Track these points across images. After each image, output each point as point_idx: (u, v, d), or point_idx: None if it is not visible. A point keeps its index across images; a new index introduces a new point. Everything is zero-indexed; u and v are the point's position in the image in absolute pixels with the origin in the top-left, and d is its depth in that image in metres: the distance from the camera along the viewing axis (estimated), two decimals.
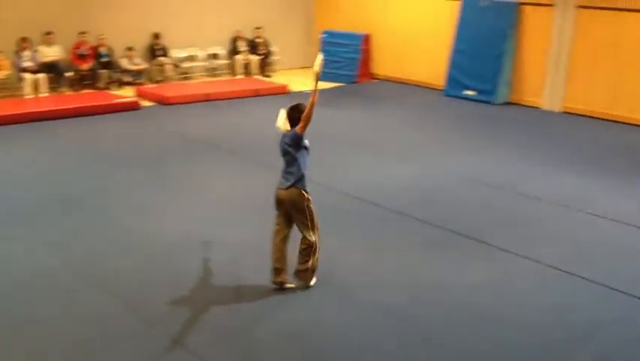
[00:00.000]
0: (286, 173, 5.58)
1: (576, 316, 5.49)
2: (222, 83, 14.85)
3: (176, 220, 7.31)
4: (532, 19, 13.35)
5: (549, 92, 13.23)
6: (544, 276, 6.20)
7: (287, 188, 5.54)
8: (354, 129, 11.48)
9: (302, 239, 5.69)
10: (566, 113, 12.99)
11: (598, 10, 12.32)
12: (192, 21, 15.60)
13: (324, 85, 15.35)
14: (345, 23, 16.74)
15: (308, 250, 5.66)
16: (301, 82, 15.59)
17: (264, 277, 5.87)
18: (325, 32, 16.38)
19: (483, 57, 13.84)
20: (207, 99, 13.30)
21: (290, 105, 5.80)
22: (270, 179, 8.70)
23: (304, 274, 5.74)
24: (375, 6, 16.24)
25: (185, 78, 15.52)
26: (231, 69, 16.19)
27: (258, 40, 16.31)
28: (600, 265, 6.43)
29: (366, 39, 16.08)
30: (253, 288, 5.83)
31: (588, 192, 8.47)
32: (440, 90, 14.68)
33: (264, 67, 16.40)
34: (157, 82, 14.72)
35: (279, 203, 5.63)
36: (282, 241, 5.69)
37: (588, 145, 10.80)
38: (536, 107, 13.38)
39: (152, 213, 7.52)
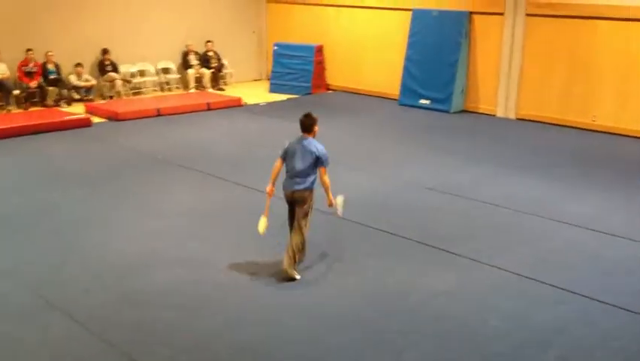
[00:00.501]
0: (303, 176, 6.13)
1: (537, 320, 5.44)
2: (174, 98, 14.59)
3: (130, 237, 7.05)
4: (483, 27, 13.48)
5: (503, 100, 13.35)
6: (505, 281, 6.15)
7: (303, 190, 6.11)
8: None
9: (298, 227, 6.14)
10: (520, 120, 13.13)
11: (547, 18, 12.51)
12: (142, 35, 15.32)
13: (277, 97, 15.28)
14: (298, 35, 16.68)
15: (301, 243, 6.14)
16: (255, 94, 15.47)
17: (222, 293, 5.67)
18: (277, 44, 16.27)
19: (436, 66, 13.91)
20: (159, 114, 13.03)
21: (303, 115, 6.47)
22: (223, 192, 8.62)
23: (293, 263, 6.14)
24: (328, 17, 16.22)
25: (136, 93, 15.21)
26: (183, 83, 15.96)
27: (209, 53, 16.11)
28: (559, 269, 6.42)
29: (319, 50, 16.02)
30: (213, 303, 5.65)
31: (544, 197, 8.50)
32: (395, 100, 14.70)
33: (217, 80, 16.21)
34: (107, 98, 14.37)
35: (292, 202, 6.20)
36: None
37: (542, 151, 10.90)
38: (491, 115, 13.49)
39: (104, 230, 7.24)
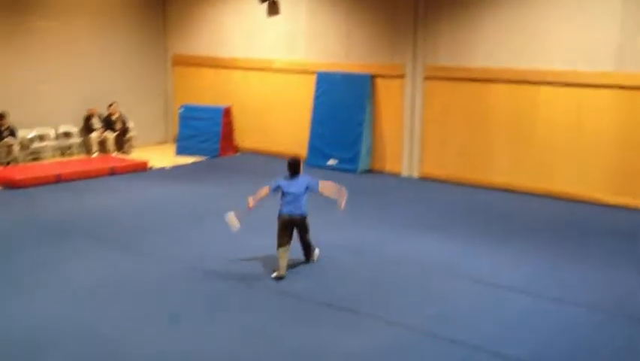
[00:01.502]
0: (297, 203, 7.92)
1: None
2: (76, 163, 14.14)
3: (27, 315, 6.64)
4: (386, 90, 13.94)
5: (407, 159, 13.73)
6: (410, 340, 6.18)
7: (301, 215, 7.93)
8: (215, 204, 11.19)
9: (305, 241, 8.14)
10: (423, 178, 13.51)
11: (444, 81, 13.09)
12: (41, 98, 14.88)
13: (184, 160, 15.11)
14: (205, 97, 16.68)
15: (310, 246, 8.20)
16: (161, 157, 15.23)
17: None
18: (183, 106, 16.20)
19: (342, 127, 14.20)
20: (60, 180, 12.54)
21: (289, 159, 8.12)
22: (129, 262, 8.33)
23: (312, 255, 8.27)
24: (236, 79, 16.33)
25: (35, 159, 14.66)
26: (86, 148, 15.54)
27: (113, 116, 15.81)
28: (462, 325, 6.52)
29: (227, 112, 16.04)
30: None
31: (446, 255, 8.70)
32: (304, 160, 14.82)
33: (122, 144, 15.88)
34: (4, 164, 13.75)
35: (291, 223, 7.92)
36: (288, 253, 7.87)
37: (443, 209, 11.22)
38: (396, 174, 13.82)
39: None
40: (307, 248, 8.24)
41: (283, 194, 7.98)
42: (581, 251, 8.91)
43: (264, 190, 8.02)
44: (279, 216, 7.98)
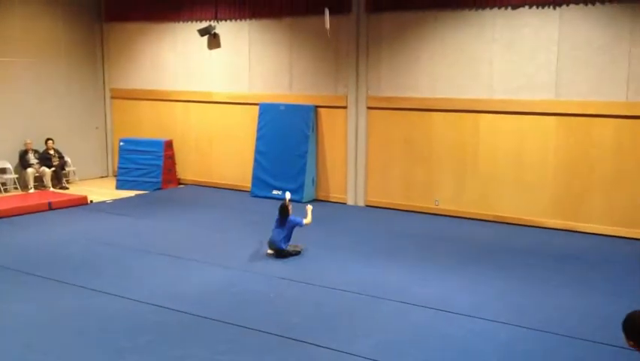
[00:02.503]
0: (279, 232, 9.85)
1: None
2: (11, 199, 13.64)
3: None
4: (329, 120, 14.02)
5: (352, 188, 13.78)
6: None
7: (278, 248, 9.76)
8: (158, 237, 10.98)
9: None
10: (369, 206, 13.56)
11: (386, 111, 13.25)
12: None
13: (125, 193, 14.79)
14: (145, 130, 16.46)
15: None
16: (101, 192, 14.88)
17: None
18: (123, 140, 15.91)
19: (286, 158, 14.17)
20: None
21: (279, 207, 10.00)
22: (71, 297, 8.00)
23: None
24: (176, 112, 16.17)
25: None
26: (22, 183, 15.05)
27: (50, 151, 15.40)
28: (411, 351, 6.48)
29: (168, 145, 15.82)
30: None
31: (393, 281, 8.68)
32: (248, 192, 14.72)
33: (60, 179, 15.45)
34: None
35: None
36: None
37: (390, 236, 11.25)
38: (342, 203, 13.84)
39: None
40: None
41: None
42: (526, 274, 9.04)
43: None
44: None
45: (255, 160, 14.64)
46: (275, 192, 14.26)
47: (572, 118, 11.41)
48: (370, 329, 7.05)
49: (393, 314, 7.53)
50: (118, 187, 15.46)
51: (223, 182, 15.57)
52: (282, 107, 14.32)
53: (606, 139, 11.17)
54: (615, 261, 9.79)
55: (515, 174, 12.03)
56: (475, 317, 7.40)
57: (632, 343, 3.92)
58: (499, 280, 8.77)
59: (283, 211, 9.85)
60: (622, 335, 3.98)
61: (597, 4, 11.00)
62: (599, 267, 9.47)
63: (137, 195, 14.71)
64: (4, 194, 14.57)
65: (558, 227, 11.62)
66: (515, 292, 8.27)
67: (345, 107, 13.72)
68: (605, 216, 11.28)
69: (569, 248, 10.50)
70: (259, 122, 14.61)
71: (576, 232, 11.43)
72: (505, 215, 12.15)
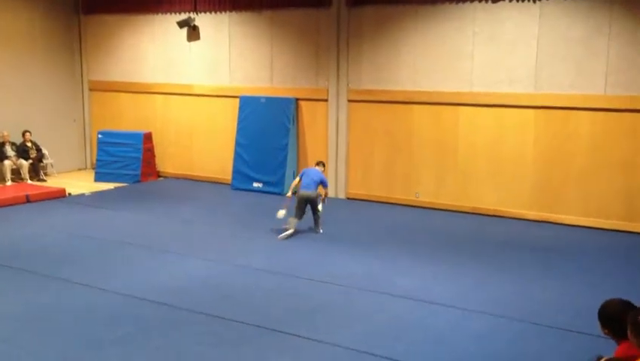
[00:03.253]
0: (313, 182, 10.49)
1: None
2: None
3: None
4: (310, 113, 14.00)
5: (333, 181, 13.75)
6: (341, 358, 6.12)
7: (313, 190, 10.48)
8: (138, 230, 10.91)
9: (316, 213, 10.66)
10: (350, 199, 13.58)
11: (367, 103, 13.26)
12: None
13: (103, 186, 14.68)
14: (124, 122, 16.32)
15: (319, 217, 10.71)
16: (79, 184, 14.74)
17: None
18: (101, 132, 15.76)
19: (267, 150, 14.14)
20: None
21: (318, 162, 11.18)
22: (50, 290, 7.91)
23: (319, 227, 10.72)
24: (156, 104, 16.05)
25: None
26: None
27: (27, 144, 15.22)
28: (392, 341, 6.51)
29: (147, 137, 15.70)
30: None
31: (374, 272, 8.72)
32: (228, 184, 14.67)
33: (37, 171, 15.27)
34: None
35: (305, 199, 10.44)
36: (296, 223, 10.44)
37: (370, 228, 11.28)
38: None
39: None
40: (316, 221, 10.70)
41: (301, 179, 10.56)
42: (504, 265, 9.12)
43: (296, 181, 10.66)
44: (297, 194, 10.47)
45: (236, 153, 14.59)
46: (255, 184, 14.24)
47: (551, 111, 11.51)
48: (350, 320, 7.08)
49: (373, 305, 7.56)
50: (96, 180, 15.32)
51: (203, 175, 15.50)
52: (263, 100, 14.27)
53: (584, 132, 11.29)
54: (591, 252, 9.91)
55: (494, 167, 12.11)
56: (454, 307, 7.46)
57: (606, 331, 3.98)
58: (478, 271, 8.84)
59: (321, 162, 11.22)
60: (598, 324, 4.03)
61: None
62: (576, 257, 9.57)
63: (116, 188, 14.59)
64: None
65: (536, 218, 11.73)
66: (494, 283, 8.34)
67: (326, 100, 13.71)
68: (582, 208, 11.40)
69: (547, 239, 10.61)
70: (240, 115, 14.55)
71: (553, 223, 11.54)
72: (484, 207, 12.23)
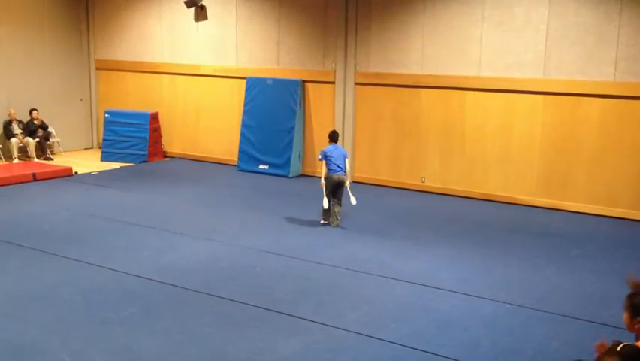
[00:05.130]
0: (339, 167, 10.01)
1: None
2: None
3: None
4: (317, 95, 13.95)
5: None
6: (348, 341, 6.14)
7: (344, 174, 10.04)
8: (144, 210, 10.93)
9: (338, 205, 10.19)
10: (356, 182, 13.54)
11: (374, 87, 13.20)
12: None
13: (110, 165, 14.70)
14: (131, 102, 16.31)
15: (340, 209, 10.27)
16: (86, 163, 14.77)
17: None
18: (108, 112, 15.75)
19: (273, 133, 14.12)
20: None
21: (332, 131, 10.47)
22: (56, 269, 7.96)
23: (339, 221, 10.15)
24: (162, 84, 16.02)
25: None
26: (6, 154, 14.89)
27: (34, 122, 15.23)
28: (397, 325, 6.53)
29: (154, 117, 15.69)
30: None
31: (380, 257, 8.73)
32: (234, 166, 14.68)
33: (44, 150, 15.30)
34: None
35: (339, 183, 10.04)
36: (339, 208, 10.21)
37: (377, 212, 11.27)
38: None
39: None
40: (337, 213, 10.15)
41: (329, 160, 10.03)
42: (510, 251, 9.12)
43: (324, 167, 10.08)
44: (328, 178, 9.96)
45: (242, 134, 14.57)
46: (261, 166, 14.24)
47: (560, 97, 11.44)
48: (356, 303, 7.10)
49: (379, 289, 7.58)
50: (103, 159, 15.35)
51: (209, 156, 15.50)
52: (270, 82, 14.22)
53: (593, 118, 11.22)
54: (598, 239, 9.90)
55: (502, 152, 12.07)
56: (459, 292, 7.47)
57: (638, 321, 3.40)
58: (484, 256, 8.84)
59: (336, 137, 10.43)
60: (623, 314, 3.53)
61: None
62: (583, 245, 9.56)
63: (122, 168, 14.62)
64: None
65: (543, 205, 11.70)
66: (500, 269, 8.35)
67: (332, 83, 13.66)
68: (590, 195, 11.37)
69: (554, 226, 10.59)
70: (246, 97, 14.51)
71: (561, 210, 11.51)
72: (491, 193, 12.21)
